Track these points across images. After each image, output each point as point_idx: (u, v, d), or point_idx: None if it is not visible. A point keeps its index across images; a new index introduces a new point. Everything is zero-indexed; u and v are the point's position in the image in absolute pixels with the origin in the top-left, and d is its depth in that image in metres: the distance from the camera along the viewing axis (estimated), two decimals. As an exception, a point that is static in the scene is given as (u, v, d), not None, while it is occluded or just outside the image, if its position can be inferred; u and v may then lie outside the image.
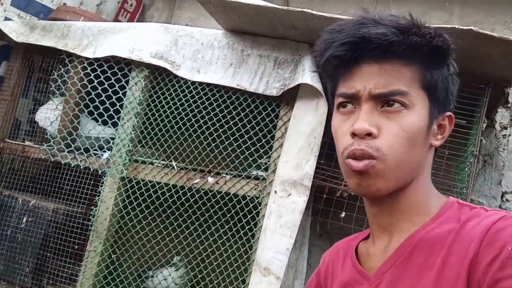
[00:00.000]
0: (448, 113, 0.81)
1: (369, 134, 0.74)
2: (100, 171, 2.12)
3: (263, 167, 2.09)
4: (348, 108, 0.78)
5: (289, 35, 1.93)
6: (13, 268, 2.23)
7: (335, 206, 1.78)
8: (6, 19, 2.39)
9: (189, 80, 2.07)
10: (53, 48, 2.29)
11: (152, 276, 2.24)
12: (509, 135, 2.07)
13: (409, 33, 0.74)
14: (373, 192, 0.76)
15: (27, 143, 2.33)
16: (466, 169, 1.75)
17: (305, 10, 1.68)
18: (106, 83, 2.16)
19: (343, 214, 1.75)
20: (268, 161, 2.08)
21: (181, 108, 2.08)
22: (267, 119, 1.96)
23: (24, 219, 2.27)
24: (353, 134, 0.75)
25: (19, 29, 2.35)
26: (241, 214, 1.89)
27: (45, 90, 2.56)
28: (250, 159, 1.99)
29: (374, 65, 0.76)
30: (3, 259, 2.26)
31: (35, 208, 2.25)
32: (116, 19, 2.96)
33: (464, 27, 1.45)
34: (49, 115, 2.28)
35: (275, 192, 1.76)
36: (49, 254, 2.19)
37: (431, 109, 0.77)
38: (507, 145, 1.93)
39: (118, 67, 2.17)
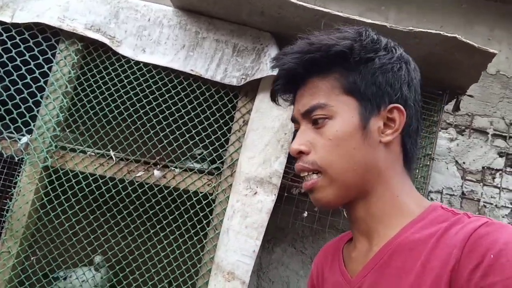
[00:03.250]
0: (394, 105, 0.80)
1: (301, 152, 0.79)
2: (16, 158, 1.77)
3: (198, 157, 1.94)
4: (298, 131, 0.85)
5: (251, 21, 1.80)
6: None
7: (297, 205, 1.71)
8: None
9: (132, 60, 1.83)
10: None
11: (64, 278, 1.95)
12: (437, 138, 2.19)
13: (305, 51, 0.79)
14: (324, 204, 0.79)
15: None
16: (418, 170, 1.80)
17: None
18: (27, 54, 1.81)
19: (305, 214, 1.68)
20: (205, 152, 1.94)
21: (122, 91, 1.83)
22: (223, 110, 1.81)
23: None
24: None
25: None
26: (191, 212, 1.72)
27: None
28: (205, 152, 1.82)
29: (303, 88, 0.82)
30: None
31: None
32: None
33: (449, 34, 1.47)
34: None
35: (239, 190, 1.62)
36: None
37: (361, 109, 0.78)
38: (434, 148, 2.03)
39: (43, 36, 1.83)
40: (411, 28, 1.52)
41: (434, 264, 0.69)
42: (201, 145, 1.82)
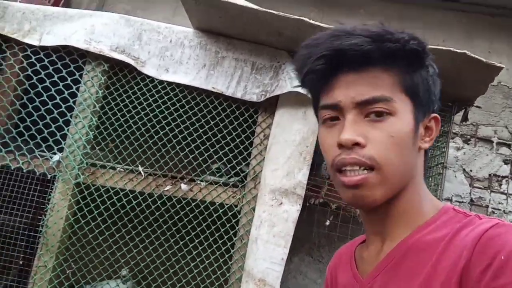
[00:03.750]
0: (434, 115, 0.82)
1: (356, 144, 0.74)
2: (49, 176, 1.85)
3: (214, 170, 2.03)
4: (333, 120, 0.79)
5: (269, 41, 1.90)
6: None
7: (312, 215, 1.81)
8: None
9: (156, 79, 1.92)
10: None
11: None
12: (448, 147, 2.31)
13: (383, 40, 0.75)
14: (369, 203, 0.76)
15: None
16: (432, 178, 1.91)
17: (303, 18, 1.68)
18: (56, 76, 1.90)
19: (327, 223, 1.78)
20: (224, 167, 2.03)
21: (148, 109, 1.92)
22: (244, 125, 1.91)
23: None
24: (340, 145, 0.75)
25: None
26: (218, 223, 1.82)
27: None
28: (229, 165, 1.91)
29: (352, 75, 0.77)
30: None
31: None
32: (39, 1, 2.61)
33: (458, 51, 1.58)
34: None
35: (265, 201, 1.72)
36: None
37: (415, 113, 0.78)
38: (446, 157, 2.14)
39: (70, 58, 1.92)
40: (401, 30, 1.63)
41: (444, 265, 0.69)
42: (223, 159, 1.92)
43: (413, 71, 0.78)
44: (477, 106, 1.93)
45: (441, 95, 0.83)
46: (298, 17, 1.68)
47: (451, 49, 1.58)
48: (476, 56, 1.57)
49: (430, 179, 1.87)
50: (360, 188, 0.74)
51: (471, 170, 2.39)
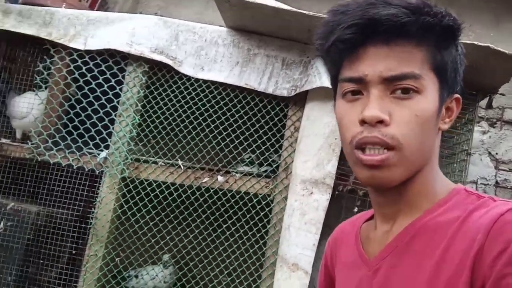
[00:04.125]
0: (456, 96, 0.79)
1: (380, 122, 0.70)
2: (97, 171, 2.01)
3: (247, 161, 2.13)
4: (355, 94, 0.75)
5: (299, 37, 1.98)
6: (-9, 277, 2.04)
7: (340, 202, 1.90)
8: (-28, 1, 2.14)
9: (192, 77, 2.04)
10: (30, 36, 2.10)
11: (136, 276, 2.19)
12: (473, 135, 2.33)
13: (421, 13, 0.71)
14: (386, 184, 0.73)
15: (4, 140, 2.12)
16: (456, 165, 1.96)
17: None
18: (100, 78, 2.04)
19: (355, 209, 1.86)
20: (258, 157, 2.13)
21: (186, 106, 2.04)
22: (276, 119, 2.00)
23: (1, 224, 2.08)
24: (363, 122, 0.72)
25: (-10, 13, 2.12)
26: (253, 212, 1.93)
27: (8, 80, 2.34)
28: (261, 157, 2.02)
29: (382, 47, 0.72)
30: (-21, 268, 2.06)
31: (14, 211, 2.07)
32: (79, 4, 2.76)
33: (482, 44, 1.62)
34: (29, 110, 2.10)
35: (296, 191, 1.82)
36: (38, 261, 2.04)
37: (441, 92, 0.75)
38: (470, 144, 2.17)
39: (113, 60, 2.06)
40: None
41: (457, 248, 0.68)
42: (256, 151, 2.02)
43: (444, 49, 0.74)
44: (501, 94, 1.96)
45: (464, 81, 0.81)
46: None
47: (475, 42, 1.61)
48: (500, 49, 1.60)
49: (455, 165, 1.92)
50: (379, 169, 0.71)
51: (496, 153, 2.43)
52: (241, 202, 1.94)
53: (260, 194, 1.94)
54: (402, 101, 0.71)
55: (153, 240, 2.00)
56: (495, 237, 0.64)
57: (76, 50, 2.07)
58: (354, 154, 0.73)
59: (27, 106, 2.10)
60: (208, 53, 2.05)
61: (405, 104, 0.71)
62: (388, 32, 0.71)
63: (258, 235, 1.93)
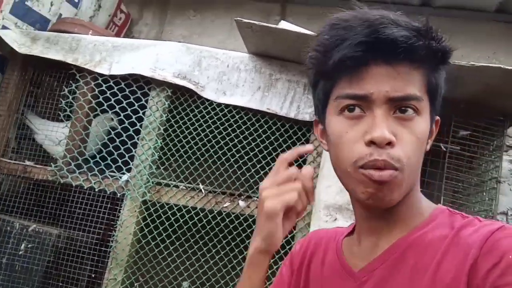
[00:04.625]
0: (437, 118, 0.81)
1: (388, 143, 0.70)
2: (118, 194, 2.01)
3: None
4: (356, 112, 0.73)
5: (321, 62, 1.98)
6: (11, 300, 2.03)
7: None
8: (3, 27, 2.19)
9: (215, 102, 2.05)
10: (56, 61, 2.15)
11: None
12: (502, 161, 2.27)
13: (429, 37, 0.71)
14: (386, 203, 0.73)
15: (27, 162, 2.15)
16: (485, 193, 1.91)
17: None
18: (124, 102, 2.06)
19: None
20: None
21: (208, 130, 2.05)
22: (298, 143, 1.99)
23: (23, 246, 2.08)
24: (371, 142, 0.70)
25: (20, 39, 2.18)
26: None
27: (35, 105, 2.38)
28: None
29: (386, 67, 0.71)
30: (-1, 290, 2.05)
31: (35, 233, 2.08)
32: (106, 32, 2.83)
33: (509, 67, 1.60)
34: (55, 134, 2.13)
35: (320, 217, 1.78)
36: (57, 283, 2.03)
37: (431, 114, 0.76)
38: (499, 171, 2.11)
39: (137, 85, 2.09)
40: (472, 63, 1.66)
41: (450, 263, 0.69)
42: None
43: (437, 72, 0.75)
44: (529, 120, 1.92)
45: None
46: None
47: (502, 66, 1.59)
48: (529, 72, 1.58)
49: (484, 194, 1.87)
50: (386, 186, 0.71)
51: (527, 184, 2.36)
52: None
53: (282, 220, 1.91)
54: (405, 121, 0.72)
55: (172, 265, 1.98)
56: (488, 252, 0.66)
57: (101, 75, 2.11)
58: (359, 173, 0.72)
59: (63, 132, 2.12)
60: (230, 78, 2.07)
61: (407, 125, 0.72)
62: (394, 53, 0.70)
63: (280, 262, 1.89)
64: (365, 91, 0.71)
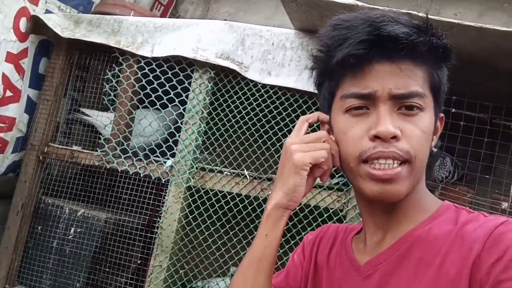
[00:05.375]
0: (441, 114, 0.83)
1: (393, 137, 0.72)
2: (163, 180, 1.97)
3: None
4: (361, 109, 0.76)
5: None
6: (61, 284, 2.06)
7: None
8: (47, 11, 2.19)
9: (259, 83, 1.94)
10: (99, 44, 2.11)
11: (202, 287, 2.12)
12: None
13: (429, 33, 0.74)
14: (395, 198, 0.75)
15: (75, 147, 2.15)
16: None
17: (410, 12, 1.58)
18: (167, 85, 2.00)
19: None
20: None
21: (252, 113, 1.95)
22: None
23: (72, 230, 2.10)
24: (375, 137, 0.73)
25: (63, 23, 2.16)
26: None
27: (83, 88, 2.38)
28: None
29: (389, 65, 0.74)
30: (50, 274, 2.09)
31: (84, 218, 2.09)
32: (149, 13, 2.78)
33: None
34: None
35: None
36: (104, 269, 2.04)
37: (435, 110, 0.79)
38: None
39: (180, 67, 2.02)
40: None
41: (454, 257, 0.70)
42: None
43: (439, 69, 0.78)
44: None
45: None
46: (406, 11, 1.59)
47: None
48: None
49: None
50: (392, 183, 0.73)
51: None
52: (310, 217, 1.81)
53: (332, 209, 1.80)
54: (409, 117, 0.74)
55: (217, 253, 1.92)
56: (491, 246, 0.67)
57: (144, 58, 2.05)
58: (362, 169, 0.75)
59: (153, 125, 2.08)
60: (275, 57, 1.95)
61: (411, 120, 0.74)
62: (396, 50, 0.72)
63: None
64: (369, 90, 0.74)
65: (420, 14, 1.50)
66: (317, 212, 1.81)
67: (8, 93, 2.09)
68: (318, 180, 1.87)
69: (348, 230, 0.93)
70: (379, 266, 0.78)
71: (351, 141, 0.76)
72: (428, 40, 0.73)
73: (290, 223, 1.84)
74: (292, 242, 1.86)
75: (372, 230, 0.83)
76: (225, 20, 2.86)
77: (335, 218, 1.78)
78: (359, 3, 1.66)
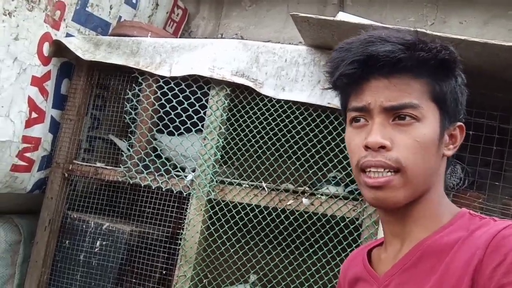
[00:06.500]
0: (459, 124, 0.85)
1: (382, 147, 0.77)
2: (184, 193, 2.06)
3: (333, 182, 2.06)
4: (361, 122, 0.82)
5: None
6: (90, 295, 2.16)
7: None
8: (68, 35, 2.29)
9: (274, 98, 2.03)
10: (118, 65, 2.21)
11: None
12: None
13: (416, 49, 0.78)
14: (391, 204, 0.80)
15: (98, 164, 2.25)
16: None
17: (419, 30, 1.65)
18: (185, 103, 2.09)
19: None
20: (338, 175, 2.06)
21: (268, 128, 2.03)
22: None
23: (98, 243, 2.20)
24: (366, 147, 0.78)
25: (84, 45, 2.26)
26: (340, 236, 1.87)
27: (103, 107, 2.48)
28: (348, 179, 1.96)
29: (383, 80, 0.80)
30: (78, 286, 2.18)
31: (109, 231, 2.18)
32: (164, 29, 2.88)
33: None
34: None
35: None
36: (129, 279, 2.13)
37: (442, 120, 0.81)
38: None
39: (197, 85, 2.11)
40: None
41: (457, 264, 0.72)
42: (339, 170, 1.96)
43: (442, 81, 0.81)
44: None
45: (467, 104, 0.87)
46: (415, 29, 1.66)
47: None
48: None
49: None
50: (383, 190, 0.78)
51: None
52: (327, 226, 1.89)
53: (348, 218, 1.88)
54: (403, 127, 0.78)
55: (239, 263, 2.01)
56: (493, 251, 0.69)
57: (162, 77, 2.15)
58: (361, 177, 0.81)
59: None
60: (288, 73, 2.03)
61: (405, 130, 0.78)
62: (386, 67, 0.78)
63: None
64: (364, 103, 0.80)
65: (428, 32, 1.58)
66: (334, 221, 1.89)
67: (34, 115, 2.19)
68: (333, 190, 1.95)
69: (369, 245, 0.98)
70: (394, 276, 0.81)
71: (352, 151, 0.83)
72: (415, 55, 0.78)
73: (308, 233, 1.92)
74: (311, 250, 1.94)
75: (390, 239, 0.87)
76: (235, 34, 2.97)
77: (351, 227, 1.86)
78: (367, 22, 1.74)
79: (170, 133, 2.12)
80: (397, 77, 0.79)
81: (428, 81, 0.80)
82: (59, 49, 2.25)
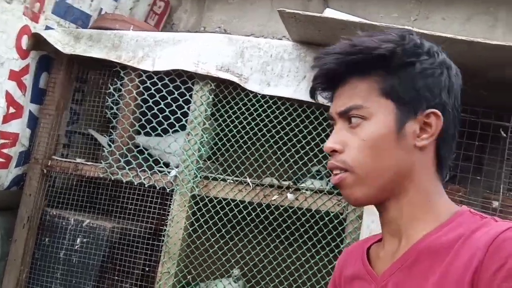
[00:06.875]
0: (432, 110, 0.80)
1: (334, 151, 0.82)
2: (168, 189, 2.03)
3: (318, 177, 2.07)
4: (334, 127, 0.87)
5: (368, 48, 1.90)
6: (70, 293, 2.12)
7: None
8: (47, 28, 2.22)
9: (259, 93, 2.01)
10: (99, 59, 2.17)
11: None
12: None
13: (348, 53, 0.80)
14: (354, 201, 0.84)
15: (78, 160, 2.20)
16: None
17: (405, 27, 1.66)
18: (169, 98, 2.06)
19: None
20: (322, 169, 2.07)
21: (253, 123, 2.02)
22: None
23: (78, 240, 2.15)
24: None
25: (63, 38, 2.20)
26: (325, 230, 1.88)
27: (82, 101, 2.43)
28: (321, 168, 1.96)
29: (341, 88, 0.84)
30: (59, 284, 2.14)
31: (90, 228, 2.14)
32: (146, 22, 2.83)
33: None
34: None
35: (374, 211, 1.74)
36: (111, 276, 2.10)
37: (398, 113, 0.80)
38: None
39: (181, 80, 2.08)
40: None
41: (457, 265, 0.71)
42: (322, 163, 1.97)
43: (390, 74, 0.81)
44: None
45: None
46: (400, 27, 1.67)
47: None
48: None
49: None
50: (343, 189, 0.83)
51: None
52: (312, 220, 1.89)
53: (332, 212, 1.88)
54: (353, 129, 0.81)
55: (224, 258, 2.00)
56: (494, 253, 0.67)
57: (145, 71, 2.11)
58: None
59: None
60: (274, 68, 2.02)
61: (355, 131, 0.81)
62: (336, 76, 0.84)
63: (331, 255, 1.87)
64: (330, 111, 0.87)
65: (415, 29, 1.59)
66: (318, 216, 1.89)
67: (11, 110, 2.13)
68: (319, 185, 1.95)
69: (367, 242, 0.95)
70: (392, 276, 0.80)
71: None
72: (346, 60, 0.80)
73: (293, 227, 1.92)
74: (295, 245, 1.94)
75: (388, 237, 0.86)
76: (218, 27, 2.94)
77: (336, 221, 1.87)
78: (354, 19, 1.74)
79: (153, 128, 2.09)
80: (348, 82, 0.83)
81: (376, 78, 0.81)
82: (38, 42, 2.19)
